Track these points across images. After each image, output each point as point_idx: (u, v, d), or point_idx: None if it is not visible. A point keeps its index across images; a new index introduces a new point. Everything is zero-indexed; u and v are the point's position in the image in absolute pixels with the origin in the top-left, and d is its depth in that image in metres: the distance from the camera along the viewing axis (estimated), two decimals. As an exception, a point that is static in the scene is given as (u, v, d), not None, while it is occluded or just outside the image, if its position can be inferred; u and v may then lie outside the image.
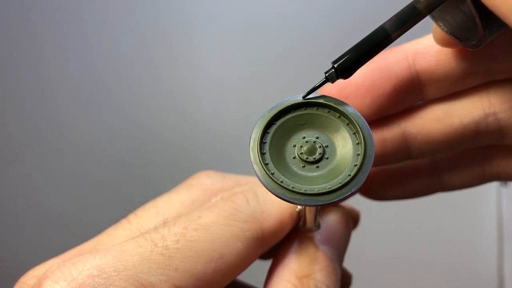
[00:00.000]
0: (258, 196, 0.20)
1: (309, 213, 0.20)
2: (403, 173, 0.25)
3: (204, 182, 0.23)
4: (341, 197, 0.16)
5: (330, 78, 0.17)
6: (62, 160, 0.53)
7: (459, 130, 0.22)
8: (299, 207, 0.21)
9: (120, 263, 0.16)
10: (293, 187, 0.16)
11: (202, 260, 0.17)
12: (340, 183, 0.16)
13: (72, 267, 0.16)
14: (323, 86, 0.18)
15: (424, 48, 0.22)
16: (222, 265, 0.18)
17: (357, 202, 0.25)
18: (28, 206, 0.54)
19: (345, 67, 0.17)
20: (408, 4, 0.17)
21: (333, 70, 0.17)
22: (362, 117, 0.17)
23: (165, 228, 0.18)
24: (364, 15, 0.50)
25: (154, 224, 0.20)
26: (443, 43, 0.20)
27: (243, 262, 0.19)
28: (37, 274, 0.19)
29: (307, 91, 0.18)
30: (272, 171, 0.17)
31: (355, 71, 0.17)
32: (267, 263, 0.23)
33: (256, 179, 0.23)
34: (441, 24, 0.19)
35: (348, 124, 0.17)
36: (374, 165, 0.24)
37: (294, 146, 0.17)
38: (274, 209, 0.20)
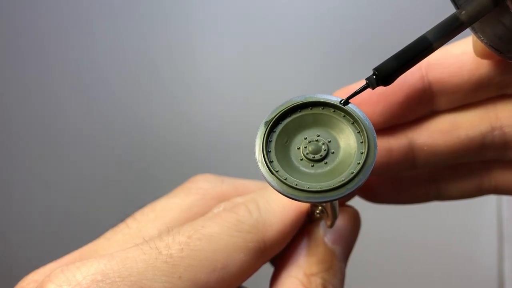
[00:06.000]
0: (260, 208, 0.20)
1: (330, 210, 0.20)
2: (400, 179, 0.25)
3: (202, 186, 0.23)
4: (349, 191, 0.16)
5: (370, 84, 0.17)
6: (61, 162, 0.53)
7: (465, 143, 0.22)
8: (320, 207, 0.21)
9: (124, 269, 0.17)
10: (309, 188, 0.16)
11: (205, 270, 0.18)
12: (352, 173, 0.16)
13: (76, 271, 0.17)
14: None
15: (438, 60, 0.22)
16: (225, 275, 0.18)
17: (357, 201, 0.25)
18: (27, 206, 0.54)
19: (386, 74, 0.17)
20: (451, 15, 0.17)
21: (374, 76, 0.17)
22: (366, 116, 0.17)
23: (169, 237, 0.18)
24: (362, 15, 0.50)
25: (153, 228, 0.21)
26: (482, 55, 0.20)
27: (245, 272, 0.19)
28: (37, 278, 0.19)
29: (346, 97, 0.18)
30: (285, 177, 0.17)
31: (395, 79, 0.17)
32: (269, 267, 0.23)
33: (256, 186, 0.24)
34: (480, 36, 0.19)
35: (353, 123, 0.18)
36: (378, 174, 0.24)
37: (299, 148, 0.18)
38: (276, 220, 0.20)
